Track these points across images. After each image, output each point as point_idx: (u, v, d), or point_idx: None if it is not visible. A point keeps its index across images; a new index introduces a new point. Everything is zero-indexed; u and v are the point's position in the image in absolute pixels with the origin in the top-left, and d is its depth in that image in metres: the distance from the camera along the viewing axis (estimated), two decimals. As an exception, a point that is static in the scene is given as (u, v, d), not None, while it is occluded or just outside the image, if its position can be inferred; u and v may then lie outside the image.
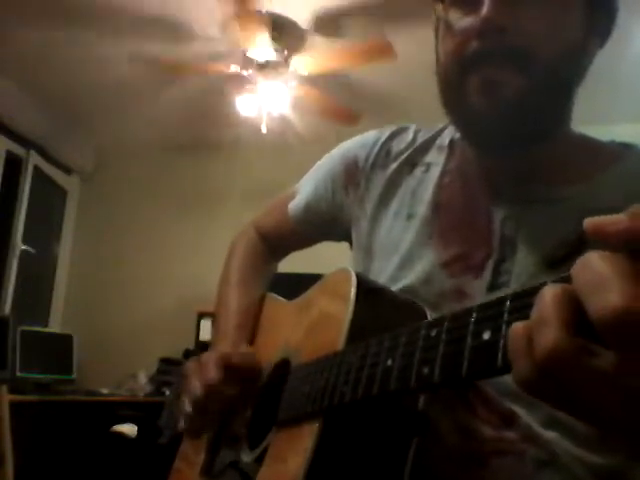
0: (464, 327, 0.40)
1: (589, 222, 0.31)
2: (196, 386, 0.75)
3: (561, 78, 0.63)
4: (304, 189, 0.91)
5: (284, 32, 3.14)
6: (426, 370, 0.43)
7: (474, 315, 0.40)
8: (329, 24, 3.13)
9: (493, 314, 0.38)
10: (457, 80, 0.64)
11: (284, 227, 0.94)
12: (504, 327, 0.36)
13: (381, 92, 3.64)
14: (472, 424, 0.60)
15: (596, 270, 0.29)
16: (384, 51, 2.96)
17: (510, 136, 0.64)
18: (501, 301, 0.37)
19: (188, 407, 0.76)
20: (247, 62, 3.24)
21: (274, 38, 3.07)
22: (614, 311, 0.28)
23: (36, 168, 4.28)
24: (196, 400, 0.75)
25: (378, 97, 3.68)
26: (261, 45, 3.04)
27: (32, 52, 3.50)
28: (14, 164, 4.15)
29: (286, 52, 3.22)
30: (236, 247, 1.00)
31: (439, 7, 0.67)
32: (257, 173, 4.26)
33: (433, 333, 0.44)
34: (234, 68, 3.24)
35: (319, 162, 0.92)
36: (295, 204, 0.91)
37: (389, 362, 0.48)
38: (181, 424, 0.79)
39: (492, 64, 0.61)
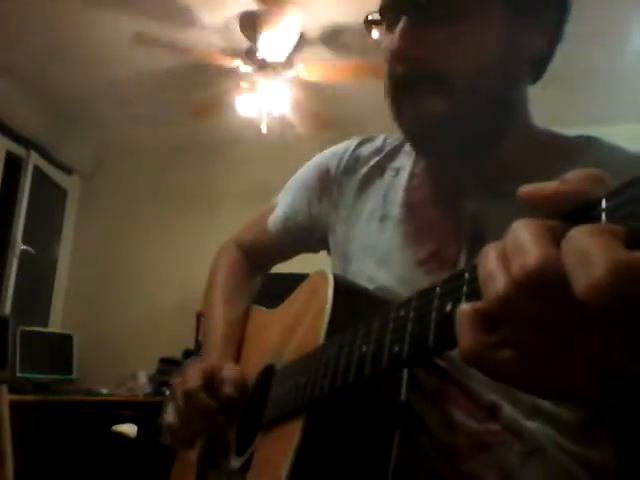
0: (429, 303, 0.41)
1: (523, 189, 0.34)
2: (178, 397, 0.77)
3: (482, 92, 0.65)
4: (282, 202, 0.93)
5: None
6: (396, 349, 0.44)
7: (438, 290, 0.41)
8: (335, 38, 3.17)
9: (454, 286, 0.39)
10: (393, 100, 0.69)
11: (264, 241, 0.96)
12: (464, 298, 0.37)
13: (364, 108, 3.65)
14: (458, 418, 0.61)
15: (515, 235, 0.32)
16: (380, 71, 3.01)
17: (449, 150, 0.68)
18: (461, 274, 0.38)
19: (172, 417, 0.79)
20: (249, 58, 3.24)
21: (279, 39, 3.08)
22: (529, 272, 0.30)
23: (36, 168, 4.28)
24: (178, 409, 0.77)
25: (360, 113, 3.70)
26: (264, 44, 3.05)
27: (32, 52, 3.50)
28: (14, 164, 4.15)
29: (288, 56, 3.22)
30: (218, 265, 1.01)
31: (380, 30, 0.71)
32: (257, 173, 4.25)
33: (402, 313, 0.45)
34: (236, 63, 3.24)
35: (295, 175, 0.94)
36: (273, 217, 0.93)
37: (364, 348, 0.49)
38: (167, 437, 0.81)
39: (415, 89, 0.66)
